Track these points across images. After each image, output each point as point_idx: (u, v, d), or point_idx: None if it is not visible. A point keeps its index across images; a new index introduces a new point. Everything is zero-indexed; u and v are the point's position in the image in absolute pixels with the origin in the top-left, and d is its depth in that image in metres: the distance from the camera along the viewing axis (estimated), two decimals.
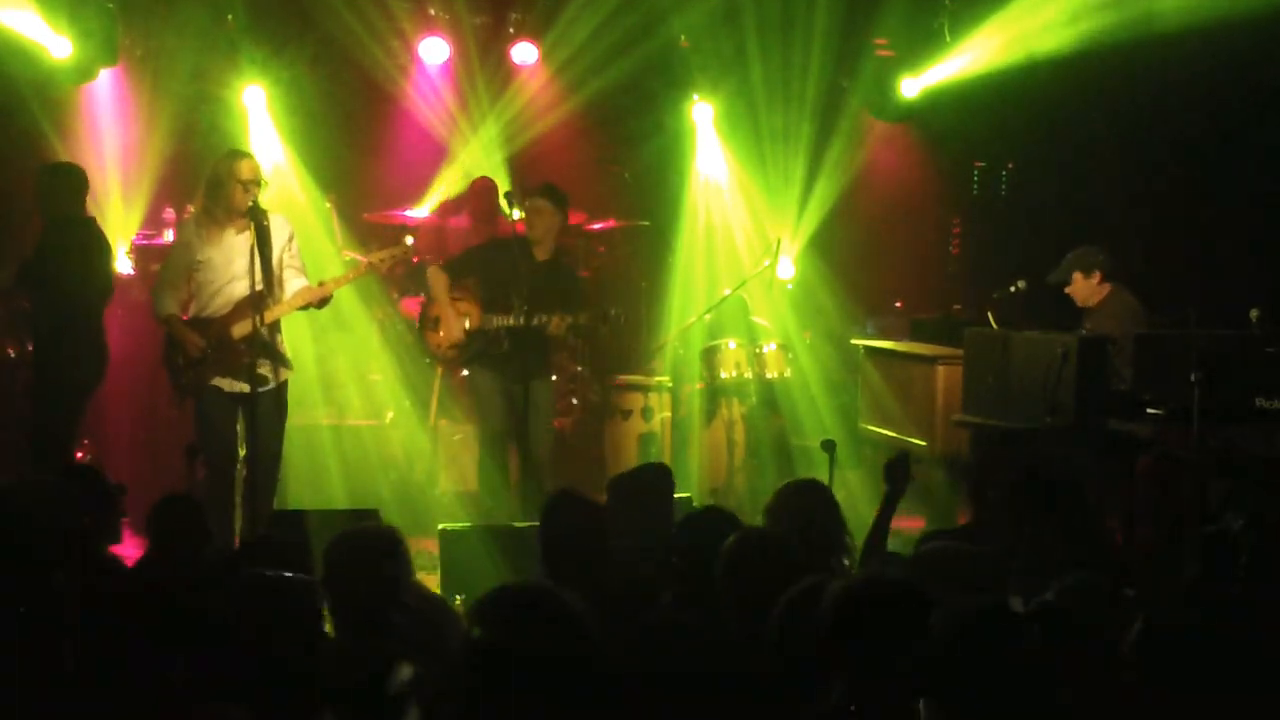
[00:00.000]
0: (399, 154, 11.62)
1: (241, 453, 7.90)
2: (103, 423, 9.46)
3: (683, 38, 11.41)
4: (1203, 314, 7.32)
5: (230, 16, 10.55)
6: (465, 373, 9.47)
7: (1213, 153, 10.35)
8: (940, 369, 8.79)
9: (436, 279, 8.87)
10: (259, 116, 10.73)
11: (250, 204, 7.62)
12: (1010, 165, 12.22)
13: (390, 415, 10.07)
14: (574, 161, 11.54)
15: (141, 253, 10.40)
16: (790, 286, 11.27)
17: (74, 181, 8.39)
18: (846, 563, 5.20)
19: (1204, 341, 7.20)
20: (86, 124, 10.43)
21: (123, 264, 10.01)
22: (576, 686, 3.06)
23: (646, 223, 11.67)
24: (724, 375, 9.81)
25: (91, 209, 8.70)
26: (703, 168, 11.75)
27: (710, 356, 9.88)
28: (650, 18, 11.05)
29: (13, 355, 9.53)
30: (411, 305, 10.20)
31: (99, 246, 8.40)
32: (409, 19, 11.28)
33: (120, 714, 4.09)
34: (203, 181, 7.96)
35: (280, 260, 7.83)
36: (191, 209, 8.34)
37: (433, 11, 11.42)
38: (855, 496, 8.84)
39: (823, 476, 6.20)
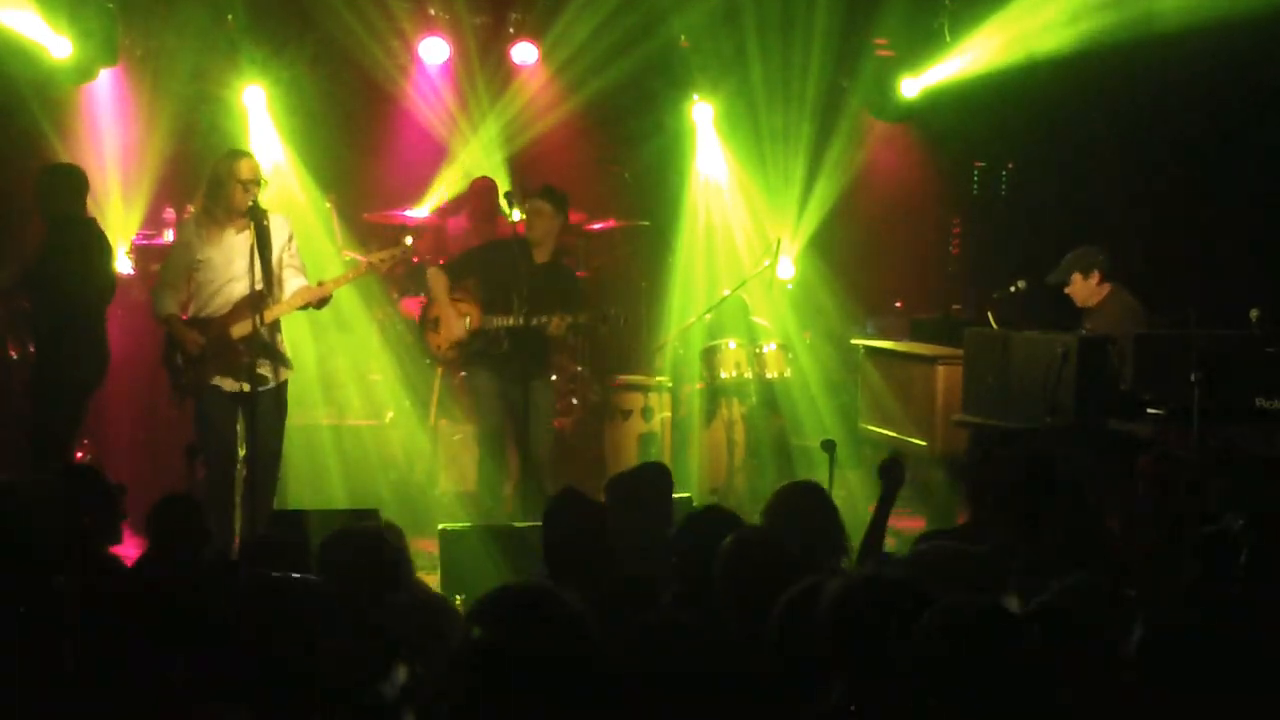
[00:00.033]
0: (399, 154, 11.62)
1: (241, 452, 7.91)
2: (103, 423, 9.46)
3: (683, 38, 11.41)
4: (1203, 314, 7.32)
5: (230, 16, 10.55)
6: (464, 373, 9.48)
7: (1213, 153, 10.35)
8: (940, 369, 8.79)
9: (436, 279, 8.88)
10: (259, 116, 10.73)
11: (250, 204, 7.63)
12: (1010, 165, 12.21)
13: (390, 415, 10.07)
14: (574, 161, 11.54)
15: (141, 253, 10.40)
16: (790, 286, 11.27)
17: (74, 182, 8.39)
18: (844, 565, 5.20)
19: (1204, 341, 7.20)
20: (86, 124, 10.42)
21: (123, 264, 10.00)
22: (576, 686, 3.06)
23: (646, 223, 11.67)
24: (724, 375, 9.82)
25: (91, 209, 8.69)
26: (703, 168, 11.76)
27: (710, 356, 9.89)
28: (650, 18, 11.05)
29: (14, 357, 9.53)
30: (411, 305, 10.20)
31: (100, 247, 8.40)
32: (409, 19, 11.28)
33: (120, 714, 4.09)
34: (203, 181, 7.97)
35: (280, 260, 7.83)
36: (191, 209, 8.34)
37: (433, 11, 11.42)
38: (855, 496, 8.86)
39: (823, 476, 6.21)
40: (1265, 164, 9.99)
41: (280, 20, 10.81)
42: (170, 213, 10.45)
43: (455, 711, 3.15)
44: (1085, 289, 8.89)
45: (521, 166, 11.44)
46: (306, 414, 9.48)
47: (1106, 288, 8.88)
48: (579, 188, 10.29)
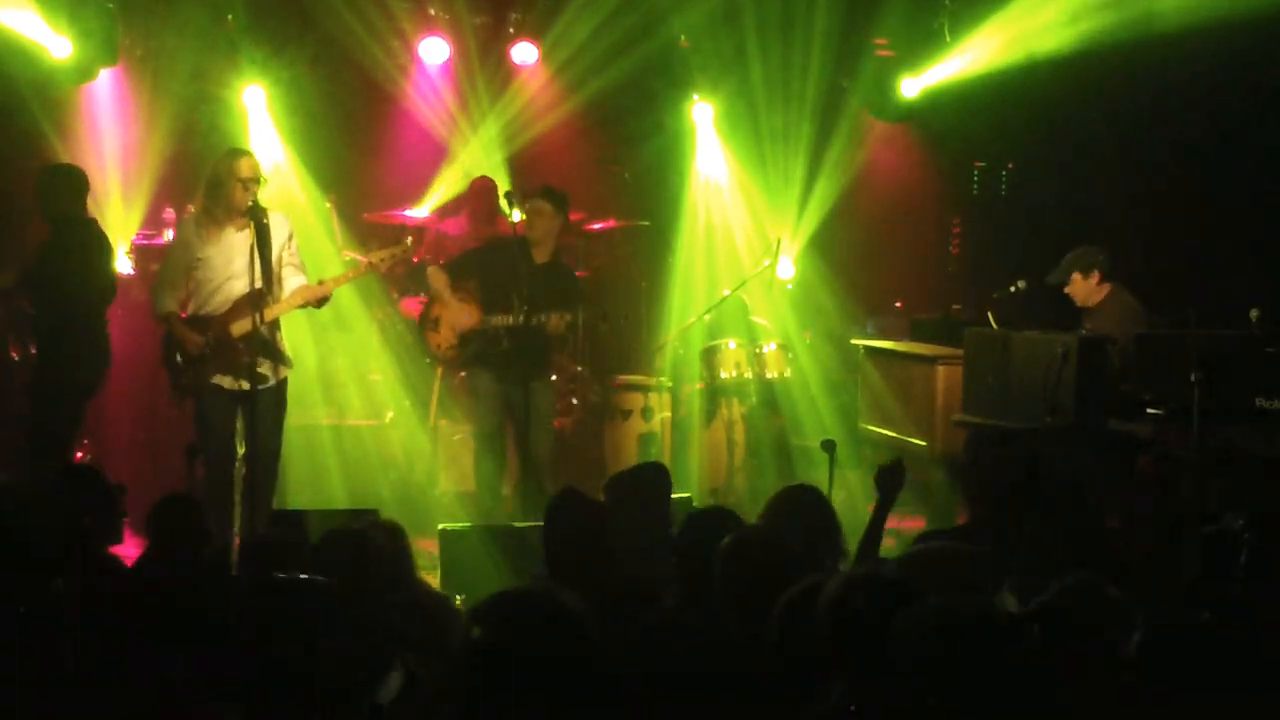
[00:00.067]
0: (399, 154, 11.62)
1: (241, 451, 7.90)
2: (103, 423, 9.46)
3: (683, 38, 11.41)
4: (1203, 314, 7.32)
5: (230, 16, 10.55)
6: (464, 374, 9.48)
7: (1213, 153, 10.34)
8: (940, 369, 8.79)
9: (437, 279, 8.88)
10: (259, 116, 10.73)
11: (250, 202, 7.62)
12: (1010, 165, 12.21)
13: (390, 415, 10.07)
14: (574, 161, 11.54)
15: (141, 253, 10.40)
16: (790, 286, 11.27)
17: (74, 182, 8.39)
18: (842, 569, 5.20)
19: (1204, 341, 7.20)
20: (86, 124, 10.43)
21: (123, 264, 10.01)
22: (576, 686, 3.06)
23: (646, 223, 11.67)
24: (724, 375, 9.82)
25: (91, 209, 8.70)
26: (703, 168, 11.75)
27: (710, 356, 9.89)
28: (650, 18, 11.05)
29: (15, 358, 9.52)
30: (411, 305, 10.20)
31: (100, 247, 8.39)
32: (409, 19, 11.28)
33: (120, 714, 4.09)
34: (203, 181, 7.97)
35: (279, 258, 7.82)
36: (191, 208, 8.34)
37: (433, 11, 11.41)
38: (855, 496, 8.85)
39: (823, 476, 6.21)
40: (1265, 164, 9.99)
41: (280, 20, 10.81)
42: (170, 213, 10.44)
43: (455, 712, 3.15)
44: (1085, 289, 8.89)
45: (521, 166, 11.43)
46: (306, 414, 9.48)
47: (1106, 288, 8.88)
48: (579, 188, 10.29)
